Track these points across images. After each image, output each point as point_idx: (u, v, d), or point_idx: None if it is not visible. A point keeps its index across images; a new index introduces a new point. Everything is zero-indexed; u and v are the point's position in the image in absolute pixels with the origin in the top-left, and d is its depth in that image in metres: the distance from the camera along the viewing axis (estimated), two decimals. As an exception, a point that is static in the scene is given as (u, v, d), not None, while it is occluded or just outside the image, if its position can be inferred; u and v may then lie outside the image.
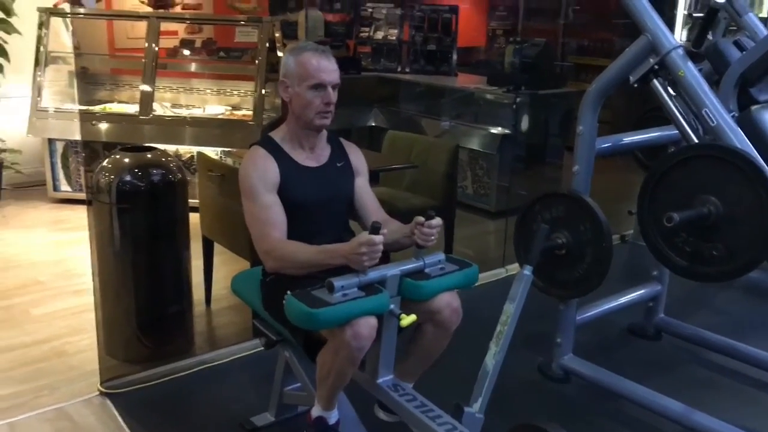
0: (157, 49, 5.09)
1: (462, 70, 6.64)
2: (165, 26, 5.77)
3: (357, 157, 2.47)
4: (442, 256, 2.24)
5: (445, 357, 2.49)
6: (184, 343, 3.21)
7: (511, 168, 5.26)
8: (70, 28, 5.50)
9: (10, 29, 5.06)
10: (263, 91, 4.99)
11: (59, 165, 5.24)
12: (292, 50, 2.28)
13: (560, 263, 2.82)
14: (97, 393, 2.82)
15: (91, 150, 5.13)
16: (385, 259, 2.27)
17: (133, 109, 5.19)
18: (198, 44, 5.43)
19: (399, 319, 2.08)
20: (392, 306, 2.12)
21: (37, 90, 5.17)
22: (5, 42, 5.14)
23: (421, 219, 2.17)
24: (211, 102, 5.48)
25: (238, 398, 2.87)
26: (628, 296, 3.40)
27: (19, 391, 2.84)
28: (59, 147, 5.20)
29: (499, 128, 5.26)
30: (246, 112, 5.17)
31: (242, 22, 5.25)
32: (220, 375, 3.02)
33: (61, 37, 5.49)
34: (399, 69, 6.33)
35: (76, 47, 5.61)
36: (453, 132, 5.64)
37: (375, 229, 2.03)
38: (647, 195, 2.42)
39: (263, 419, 2.65)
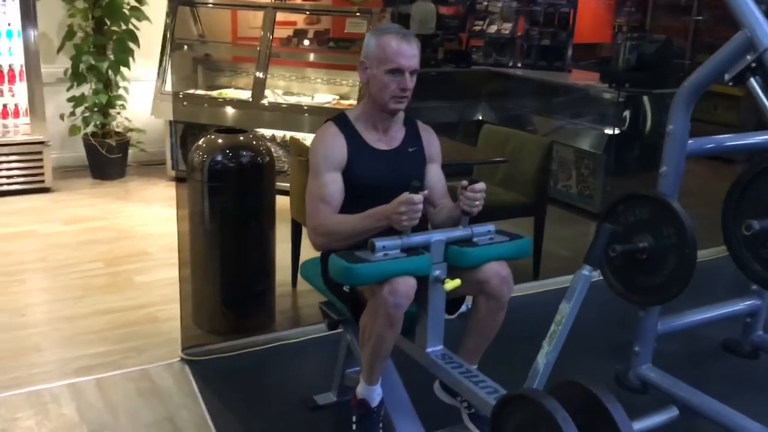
0: (271, 38, 5.29)
1: (582, 66, 6.44)
2: (285, 17, 6.01)
3: (432, 143, 2.47)
4: (492, 227, 2.24)
5: (516, 355, 2.45)
6: (265, 320, 3.34)
7: (618, 169, 5.05)
8: (197, 17, 5.85)
9: (141, 16, 5.43)
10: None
11: (178, 145, 5.57)
12: (375, 31, 2.30)
13: (641, 268, 2.70)
14: (179, 359, 3.00)
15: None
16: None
17: (247, 95, 5.42)
18: (310, 34, 5.59)
19: (443, 284, 2.09)
20: (437, 272, 2.15)
21: (162, 74, 5.51)
22: (137, 28, 5.52)
23: (465, 183, 2.16)
24: (321, 91, 5.63)
25: (307, 376, 2.97)
26: (723, 309, 3.19)
27: (110, 350, 3.07)
28: (179, 129, 5.53)
29: (608, 127, 5.07)
30: (353, 102, 5.27)
31: (356, 13, 5.33)
32: (295, 352, 3.13)
33: (188, 24, 5.84)
34: (510, 64, 6.23)
35: (200, 35, 5.95)
36: (561, 129, 5.49)
37: (414, 188, 2.06)
38: (732, 201, 2.28)
39: (326, 398, 2.73)
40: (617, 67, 5.35)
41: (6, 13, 4.91)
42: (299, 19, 6.28)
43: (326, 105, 5.33)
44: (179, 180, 4.98)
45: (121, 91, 5.59)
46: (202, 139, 3.22)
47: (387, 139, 2.39)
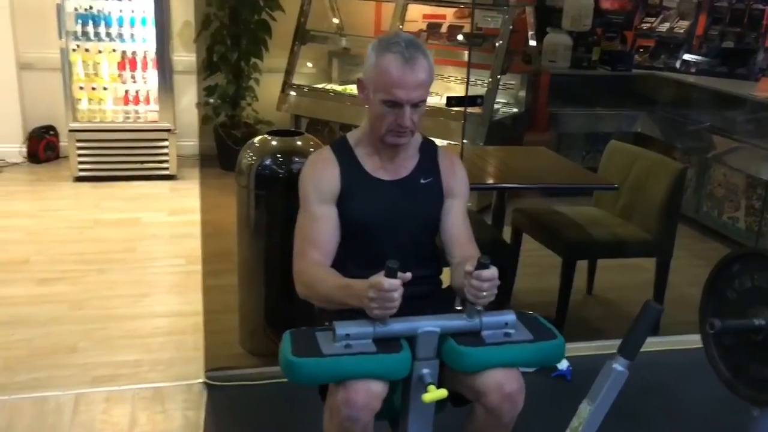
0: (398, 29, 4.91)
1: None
2: (433, 10, 5.61)
3: (453, 174, 1.98)
4: (511, 316, 1.67)
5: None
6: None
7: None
8: (335, 8, 5.62)
9: (274, 6, 5.29)
10: (499, 83, 4.52)
11: (303, 141, 5.37)
12: (378, 44, 1.83)
13: (755, 353, 1.99)
14: (201, 381, 2.73)
15: (329, 129, 5.22)
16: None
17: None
18: (443, 29, 5.13)
19: (426, 390, 1.59)
20: (424, 371, 1.63)
21: (290, 67, 5.34)
22: (273, 19, 5.39)
23: (469, 268, 1.62)
24: (453, 90, 5.15)
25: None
26: None
27: (141, 360, 2.89)
28: (304, 123, 5.34)
29: (789, 151, 4.11)
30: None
31: (489, 6, 4.78)
32: (330, 390, 2.73)
33: (326, 16, 5.62)
34: (683, 68, 5.31)
35: (339, 27, 5.71)
36: (734, 150, 4.57)
37: (390, 270, 1.56)
38: None
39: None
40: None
41: (141, 1, 4.97)
42: (450, 13, 5.84)
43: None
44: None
45: (252, 83, 5.50)
46: (256, 139, 2.92)
47: (393, 168, 1.93)
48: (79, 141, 5.00)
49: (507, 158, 3.25)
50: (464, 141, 3.67)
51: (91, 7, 4.91)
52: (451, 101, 3.52)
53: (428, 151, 1.98)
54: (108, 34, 4.99)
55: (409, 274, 1.61)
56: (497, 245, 3.02)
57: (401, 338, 1.63)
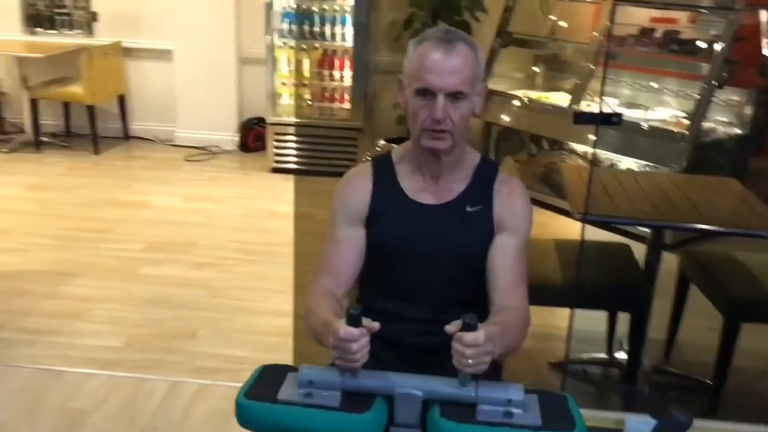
0: (605, 35, 4.42)
1: None
2: (663, 14, 5.00)
3: (507, 205, 1.63)
4: (518, 392, 1.32)
5: None
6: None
7: None
8: (545, 10, 5.25)
9: (476, 6, 5.07)
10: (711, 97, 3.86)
11: (493, 150, 5.10)
12: (418, 37, 1.59)
13: None
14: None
15: (519, 139, 4.91)
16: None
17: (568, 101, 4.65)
18: (658, 34, 4.50)
19: None
20: None
21: (487, 70, 5.07)
22: (477, 20, 5.17)
23: (449, 328, 1.31)
24: (665, 104, 4.52)
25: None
26: None
27: (246, 357, 2.88)
28: (494, 131, 5.05)
29: None
30: (685, 121, 4.10)
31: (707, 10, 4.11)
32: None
33: (534, 18, 5.27)
34: None
35: (551, 31, 5.32)
36: None
37: (351, 318, 1.31)
38: None
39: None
40: None
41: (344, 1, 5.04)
42: (683, 17, 5.15)
43: (651, 122, 4.22)
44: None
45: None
46: (379, 144, 2.75)
47: (437, 190, 1.65)
48: (276, 134, 5.22)
49: (676, 188, 2.72)
50: (597, 158, 3.15)
51: (298, 6, 5.09)
52: (580, 117, 3.00)
53: (485, 174, 1.66)
54: (311, 33, 5.14)
55: (377, 324, 1.34)
56: (629, 288, 2.53)
57: (378, 397, 1.36)
